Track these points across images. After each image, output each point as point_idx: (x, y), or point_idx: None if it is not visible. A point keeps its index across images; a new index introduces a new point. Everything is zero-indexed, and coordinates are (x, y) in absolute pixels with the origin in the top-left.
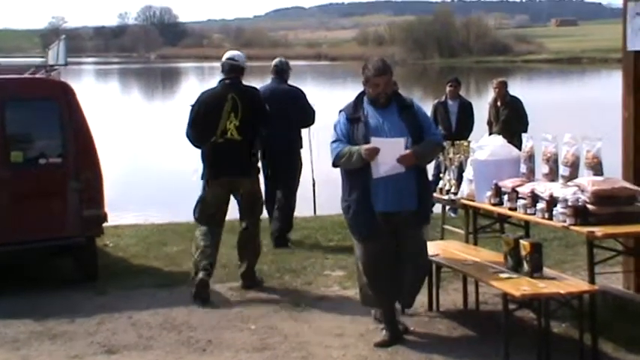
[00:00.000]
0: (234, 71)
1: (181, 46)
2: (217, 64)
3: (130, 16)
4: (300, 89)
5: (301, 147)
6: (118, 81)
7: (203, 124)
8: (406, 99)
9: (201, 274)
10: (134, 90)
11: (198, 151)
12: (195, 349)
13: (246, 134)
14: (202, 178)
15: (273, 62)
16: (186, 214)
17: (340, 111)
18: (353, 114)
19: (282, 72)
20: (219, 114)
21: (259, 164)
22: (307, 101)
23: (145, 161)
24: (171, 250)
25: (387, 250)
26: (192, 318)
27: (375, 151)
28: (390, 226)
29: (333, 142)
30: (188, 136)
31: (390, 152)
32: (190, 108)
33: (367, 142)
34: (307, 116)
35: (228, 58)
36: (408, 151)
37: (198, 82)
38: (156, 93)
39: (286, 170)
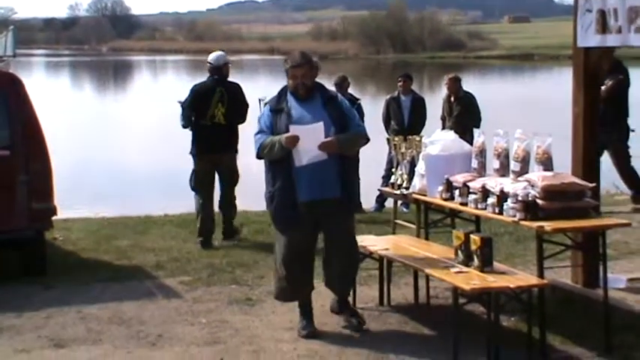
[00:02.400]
0: (214, 70)
1: (133, 38)
2: (169, 58)
3: (81, 7)
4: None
5: None
6: (69, 73)
7: (194, 108)
8: (330, 91)
9: (200, 239)
10: (85, 83)
11: (149, 146)
12: (144, 343)
13: (229, 120)
14: (191, 153)
15: None
16: (136, 208)
17: (265, 104)
18: (276, 105)
19: None
20: (209, 102)
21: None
22: None
23: (96, 155)
24: (122, 244)
25: (307, 242)
26: (143, 312)
27: (294, 139)
28: (313, 216)
29: (257, 133)
30: (182, 117)
31: (311, 139)
32: (179, 102)
33: (288, 131)
34: None
35: (208, 62)
36: (329, 139)
37: (150, 75)
38: (108, 86)
39: None
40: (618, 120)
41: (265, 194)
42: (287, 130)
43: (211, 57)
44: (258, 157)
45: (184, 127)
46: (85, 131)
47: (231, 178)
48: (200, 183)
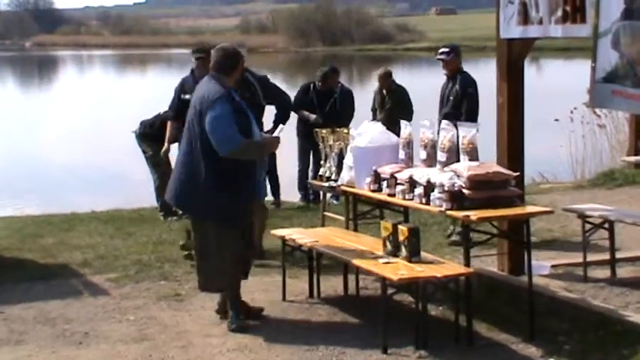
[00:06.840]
0: None
1: (58, 33)
2: (96, 52)
3: (2, 1)
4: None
5: None
6: None
7: None
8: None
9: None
10: (8, 79)
11: (75, 143)
12: (70, 342)
13: None
14: None
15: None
16: (62, 206)
17: (218, 99)
18: (233, 104)
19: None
20: None
21: None
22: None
23: (21, 152)
24: (47, 242)
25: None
26: (68, 311)
27: (279, 142)
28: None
29: (228, 129)
30: None
31: None
32: None
33: (250, 132)
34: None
35: None
36: (276, 136)
37: (76, 70)
38: (32, 82)
39: None
40: None
41: (209, 191)
42: (250, 131)
43: None
44: (229, 155)
45: None
46: (9, 128)
47: None
48: None
